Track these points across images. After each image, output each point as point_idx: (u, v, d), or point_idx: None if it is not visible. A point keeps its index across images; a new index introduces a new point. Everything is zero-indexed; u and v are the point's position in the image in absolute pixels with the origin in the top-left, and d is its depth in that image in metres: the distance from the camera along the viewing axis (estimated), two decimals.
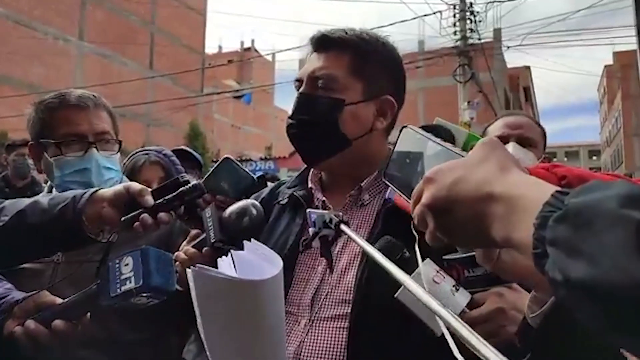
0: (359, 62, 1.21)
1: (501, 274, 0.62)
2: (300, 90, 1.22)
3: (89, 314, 1.22)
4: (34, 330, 1.17)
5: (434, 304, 0.55)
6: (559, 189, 0.48)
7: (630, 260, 0.37)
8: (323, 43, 1.23)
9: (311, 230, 0.89)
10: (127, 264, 1.12)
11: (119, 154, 1.56)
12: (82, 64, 21.45)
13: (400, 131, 0.86)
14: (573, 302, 0.42)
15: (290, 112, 1.23)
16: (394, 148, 0.86)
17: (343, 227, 0.85)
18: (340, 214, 0.89)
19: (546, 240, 0.45)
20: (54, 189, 1.54)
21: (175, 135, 21.52)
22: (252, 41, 53.10)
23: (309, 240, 0.89)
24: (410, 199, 0.68)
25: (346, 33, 1.23)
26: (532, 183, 0.54)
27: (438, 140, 0.74)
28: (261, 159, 21.30)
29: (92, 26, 21.96)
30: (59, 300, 1.23)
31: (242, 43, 50.86)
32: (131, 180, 1.75)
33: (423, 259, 0.71)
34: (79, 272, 1.33)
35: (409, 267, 0.75)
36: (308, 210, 0.92)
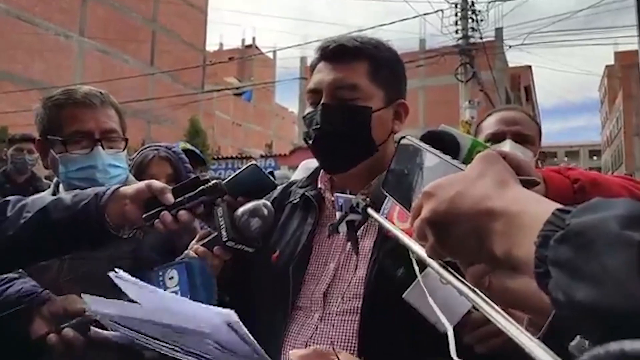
0: (375, 69, 1.24)
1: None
2: (323, 101, 1.22)
3: None
4: (73, 339, 1.18)
5: (460, 285, 0.56)
6: (559, 206, 0.49)
7: (632, 282, 0.38)
8: (339, 53, 1.24)
9: (338, 214, 0.88)
10: (172, 277, 1.14)
11: (125, 151, 1.56)
12: (82, 60, 21.43)
13: (399, 141, 0.85)
14: (576, 322, 0.43)
15: (314, 124, 1.22)
16: (392, 159, 0.85)
17: (370, 210, 0.84)
18: (368, 198, 0.88)
19: (548, 260, 0.45)
20: (60, 185, 1.54)
21: (175, 132, 21.47)
22: (253, 38, 52.99)
23: (336, 224, 0.88)
24: (409, 211, 0.68)
25: (357, 41, 1.25)
26: (532, 199, 0.54)
27: (437, 151, 0.73)
28: (262, 156, 21.26)
29: (93, 22, 21.94)
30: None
31: (243, 40, 50.68)
32: (138, 175, 1.76)
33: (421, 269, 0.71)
34: (87, 270, 1.34)
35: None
36: (336, 194, 0.92)
